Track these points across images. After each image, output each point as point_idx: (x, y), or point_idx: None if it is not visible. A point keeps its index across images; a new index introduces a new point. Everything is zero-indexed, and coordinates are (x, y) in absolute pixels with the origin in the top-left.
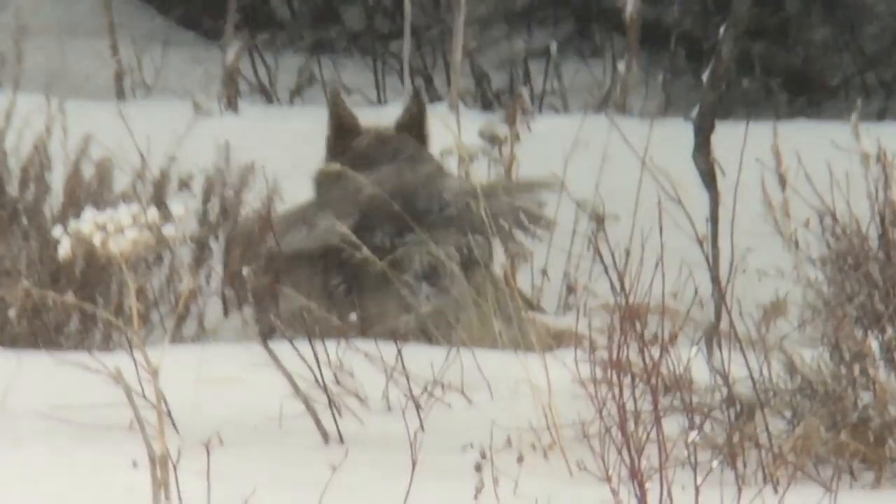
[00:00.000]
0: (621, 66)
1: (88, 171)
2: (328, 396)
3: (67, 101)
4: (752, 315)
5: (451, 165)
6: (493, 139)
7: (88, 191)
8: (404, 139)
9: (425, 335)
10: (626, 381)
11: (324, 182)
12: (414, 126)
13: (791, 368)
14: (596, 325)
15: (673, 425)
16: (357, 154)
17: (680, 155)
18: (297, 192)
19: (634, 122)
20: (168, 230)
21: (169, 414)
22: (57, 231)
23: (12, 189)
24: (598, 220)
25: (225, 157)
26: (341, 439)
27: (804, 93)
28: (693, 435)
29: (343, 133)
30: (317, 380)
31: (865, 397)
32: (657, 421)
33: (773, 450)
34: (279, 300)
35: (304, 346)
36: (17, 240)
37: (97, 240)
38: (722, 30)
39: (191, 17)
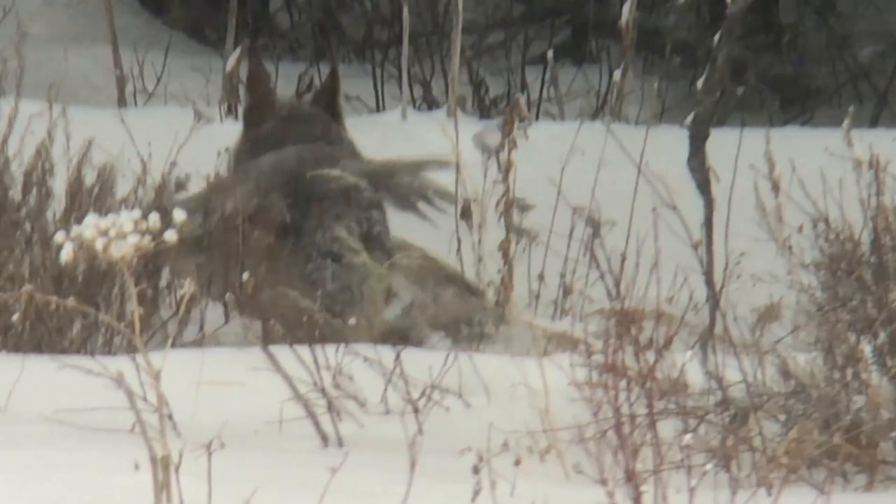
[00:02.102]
0: (617, 74)
1: (90, 177)
2: (327, 400)
3: (69, 107)
4: (746, 319)
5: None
6: (485, 148)
7: (90, 196)
8: (317, 113)
9: (331, 312)
10: (622, 384)
11: (239, 156)
12: (328, 100)
13: (785, 372)
14: (592, 329)
15: (668, 428)
16: (272, 126)
17: (675, 161)
18: None
19: (630, 129)
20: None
21: (170, 417)
22: (59, 236)
23: (15, 194)
24: (594, 225)
25: (225, 164)
26: (340, 442)
27: (798, 100)
28: (688, 438)
29: (260, 105)
30: (316, 384)
31: (858, 401)
32: (652, 424)
33: (767, 453)
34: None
35: (303, 350)
36: (20, 245)
37: (99, 245)
38: (716, 38)
39: (192, 25)
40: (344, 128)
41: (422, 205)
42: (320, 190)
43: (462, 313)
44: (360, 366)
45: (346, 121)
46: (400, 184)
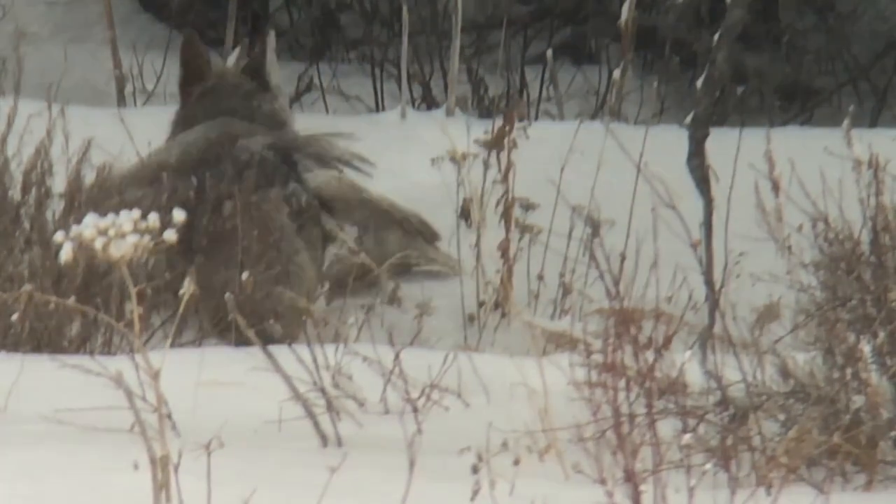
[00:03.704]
0: (616, 73)
1: (90, 177)
2: (327, 400)
3: (68, 106)
4: (745, 319)
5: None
6: (486, 145)
7: (89, 196)
8: (240, 83)
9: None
10: (621, 384)
11: (173, 130)
12: (255, 69)
13: (784, 372)
14: (591, 328)
15: (667, 428)
16: (197, 99)
17: (674, 161)
18: None
19: (629, 129)
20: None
21: (169, 416)
22: (58, 236)
23: (14, 194)
24: (594, 225)
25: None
26: (339, 442)
27: (797, 99)
28: (687, 438)
29: (193, 76)
30: (315, 383)
31: (857, 400)
32: (651, 424)
33: (767, 452)
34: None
35: (302, 350)
36: (20, 244)
37: (98, 244)
38: (716, 37)
39: (191, 25)
40: (273, 97)
41: (340, 165)
42: (235, 167)
43: (404, 259)
44: (360, 365)
45: (278, 89)
46: (318, 149)
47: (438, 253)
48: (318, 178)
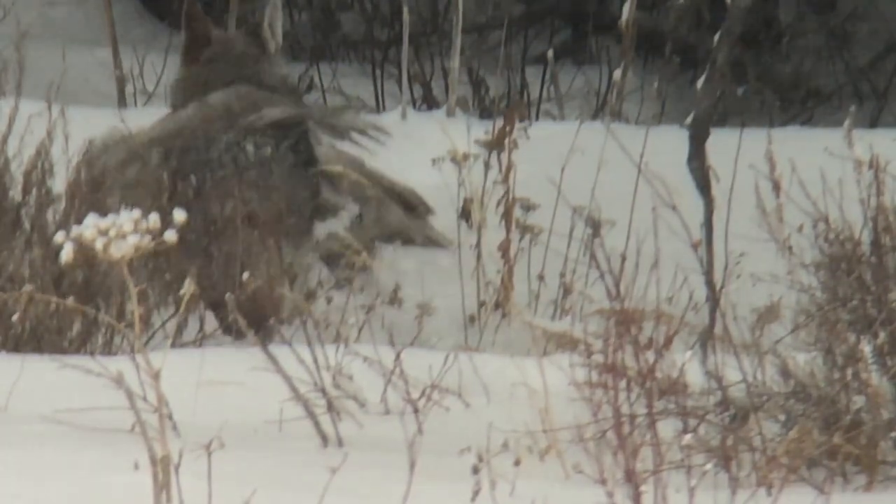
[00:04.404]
0: (617, 74)
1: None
2: (327, 400)
3: (69, 107)
4: (746, 319)
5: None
6: (487, 145)
7: (90, 196)
8: (248, 51)
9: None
10: (622, 384)
11: (175, 94)
12: (254, 36)
13: (784, 372)
14: (592, 329)
15: (668, 428)
16: (204, 65)
17: (675, 161)
18: None
19: (630, 129)
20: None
21: (170, 417)
22: (59, 236)
23: (15, 194)
24: (594, 225)
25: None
26: (340, 442)
27: (798, 100)
28: (687, 438)
29: (198, 41)
30: (316, 383)
31: (858, 401)
32: (652, 424)
33: (767, 453)
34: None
35: (303, 350)
36: (20, 245)
37: (99, 245)
38: (716, 38)
39: None
40: (275, 62)
41: (356, 136)
42: (251, 133)
43: (404, 233)
44: (360, 366)
45: (277, 53)
46: (334, 120)
47: (433, 229)
48: (322, 152)
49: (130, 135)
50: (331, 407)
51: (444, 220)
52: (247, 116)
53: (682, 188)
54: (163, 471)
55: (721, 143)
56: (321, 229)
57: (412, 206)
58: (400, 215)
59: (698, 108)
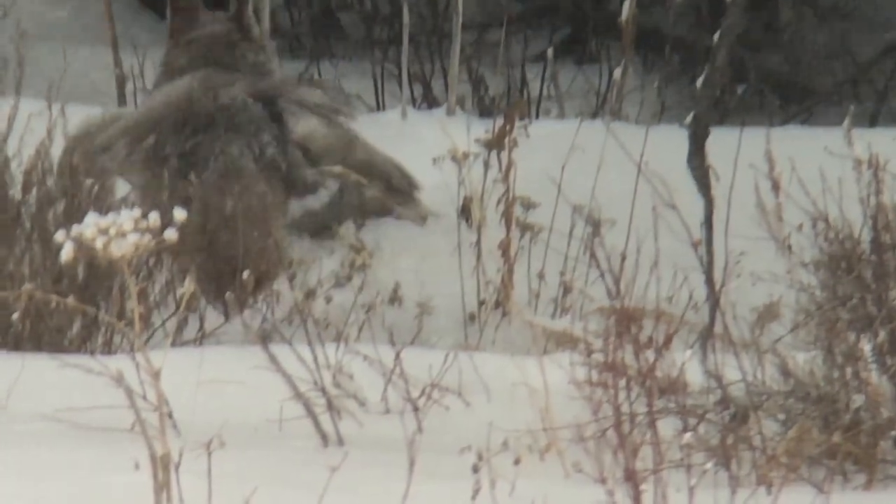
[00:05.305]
0: (617, 73)
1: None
2: (327, 399)
3: (69, 106)
4: (745, 318)
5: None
6: (487, 144)
7: (90, 195)
8: (226, 33)
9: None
10: (622, 383)
11: (158, 75)
12: (239, 19)
13: (784, 371)
14: (592, 328)
15: (667, 427)
16: (183, 47)
17: (675, 160)
18: None
19: (630, 128)
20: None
21: (170, 415)
22: (59, 235)
23: (15, 193)
24: (594, 224)
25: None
26: (340, 441)
27: (797, 99)
28: (687, 437)
29: (182, 24)
30: (316, 382)
31: (858, 400)
32: (652, 423)
33: (767, 452)
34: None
35: (303, 349)
36: (20, 244)
37: (99, 244)
38: (716, 36)
39: None
40: (257, 48)
41: (326, 111)
42: (211, 117)
43: (386, 209)
44: (360, 365)
45: (262, 38)
46: (297, 96)
47: (416, 206)
48: (305, 126)
49: (104, 122)
50: (331, 406)
51: (444, 219)
52: (208, 100)
53: (682, 187)
54: (163, 470)
55: (721, 142)
56: (297, 207)
57: (393, 186)
58: (380, 194)
59: (698, 107)
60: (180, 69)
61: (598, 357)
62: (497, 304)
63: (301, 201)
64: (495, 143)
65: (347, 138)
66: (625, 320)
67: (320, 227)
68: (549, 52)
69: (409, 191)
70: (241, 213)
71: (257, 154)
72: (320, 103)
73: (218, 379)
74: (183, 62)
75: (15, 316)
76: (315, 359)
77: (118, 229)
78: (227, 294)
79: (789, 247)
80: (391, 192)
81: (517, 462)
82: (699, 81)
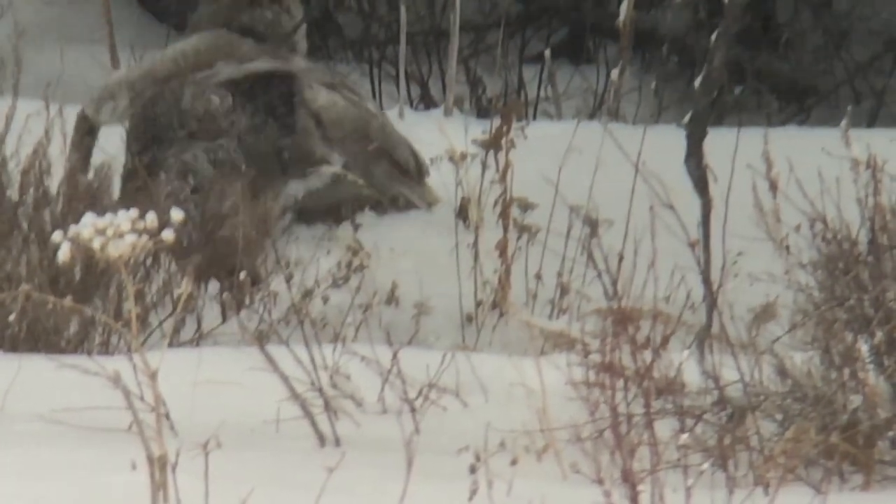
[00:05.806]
0: (614, 73)
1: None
2: (324, 399)
3: (66, 106)
4: (743, 319)
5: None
6: (484, 144)
7: (87, 195)
8: None
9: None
10: (619, 384)
11: (189, 30)
12: None
13: (782, 371)
14: (589, 328)
15: (665, 428)
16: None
17: (672, 161)
18: None
19: (627, 128)
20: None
21: (167, 416)
22: (56, 235)
23: (12, 194)
24: (592, 224)
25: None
26: (337, 442)
27: (795, 99)
28: (684, 437)
29: None
30: (313, 383)
31: (855, 400)
32: (649, 423)
33: (764, 452)
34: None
35: (300, 349)
36: (17, 244)
37: (96, 244)
38: (713, 37)
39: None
40: (281, 7)
41: (342, 87)
42: (183, 109)
43: (391, 190)
44: (357, 365)
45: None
46: (321, 77)
47: (423, 190)
48: (321, 99)
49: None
50: (328, 406)
51: (442, 219)
52: (213, 64)
53: (680, 187)
54: (160, 470)
55: (718, 142)
56: (298, 187)
57: (403, 168)
58: (387, 173)
59: (696, 107)
60: (195, 26)
61: (596, 358)
62: (494, 305)
63: (304, 181)
64: (493, 144)
65: (363, 112)
66: (622, 321)
67: (323, 209)
68: (547, 52)
69: (418, 175)
70: (210, 215)
71: (213, 159)
72: (334, 81)
73: (215, 379)
74: (204, 18)
75: (12, 317)
76: (312, 359)
77: (115, 230)
78: (225, 295)
79: (787, 247)
80: (400, 172)
81: (514, 462)
82: (697, 82)
